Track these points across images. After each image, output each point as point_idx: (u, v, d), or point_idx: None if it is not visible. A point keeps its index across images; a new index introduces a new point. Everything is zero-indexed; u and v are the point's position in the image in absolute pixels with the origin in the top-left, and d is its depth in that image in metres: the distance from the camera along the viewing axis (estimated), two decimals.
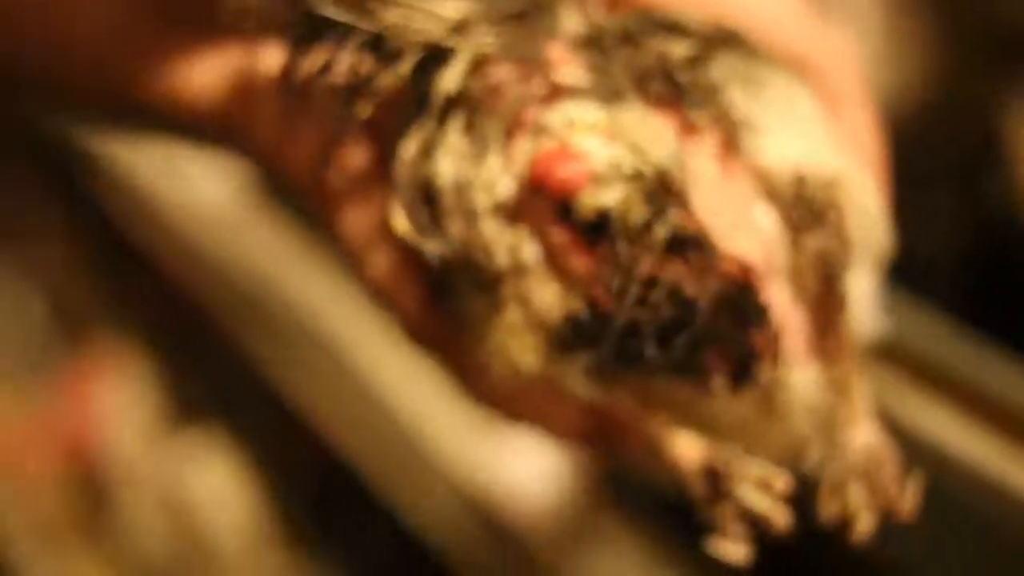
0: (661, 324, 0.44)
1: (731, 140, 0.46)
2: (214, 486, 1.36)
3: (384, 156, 0.49)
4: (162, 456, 1.40)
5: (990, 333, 0.68)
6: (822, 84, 0.50)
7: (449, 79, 0.46)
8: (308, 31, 0.47)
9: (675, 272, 0.44)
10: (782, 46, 0.50)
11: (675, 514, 0.95)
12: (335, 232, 0.53)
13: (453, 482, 1.04)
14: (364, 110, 0.47)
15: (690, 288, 0.44)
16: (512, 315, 0.46)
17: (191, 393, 1.41)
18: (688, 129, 0.46)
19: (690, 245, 0.44)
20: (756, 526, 0.47)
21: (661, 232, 0.43)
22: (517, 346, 0.47)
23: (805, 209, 0.46)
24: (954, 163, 0.95)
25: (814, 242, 0.46)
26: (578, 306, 0.45)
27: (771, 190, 0.46)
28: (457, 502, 1.04)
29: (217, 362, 1.35)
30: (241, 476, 1.36)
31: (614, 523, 0.98)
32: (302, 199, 0.54)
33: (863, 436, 0.48)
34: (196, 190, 1.31)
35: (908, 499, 0.48)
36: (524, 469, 1.01)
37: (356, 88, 0.47)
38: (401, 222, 0.47)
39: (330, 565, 1.28)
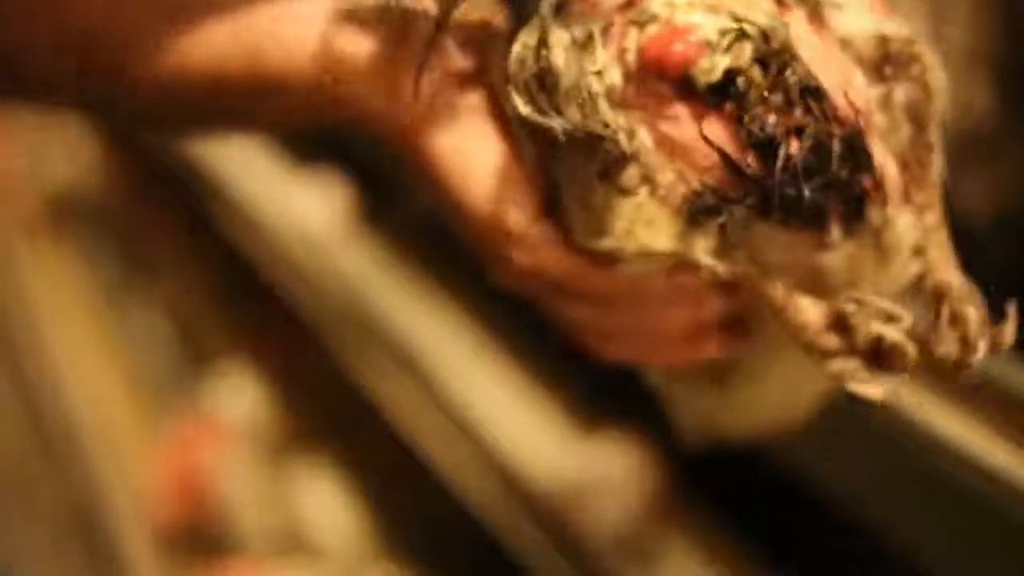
0: (801, 168, 0.46)
1: (816, 14, 0.50)
2: (322, 502, 1.39)
3: (479, 71, 0.53)
4: (274, 475, 1.44)
5: None
6: None
7: None
8: None
9: (807, 120, 0.46)
10: None
11: (744, 523, 0.96)
12: (434, 171, 0.54)
13: (534, 496, 1.06)
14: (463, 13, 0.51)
15: (822, 134, 0.46)
16: (640, 197, 0.49)
17: (302, 415, 1.46)
18: (779, 5, 0.49)
19: (813, 94, 0.46)
20: (889, 363, 0.49)
21: (792, 80, 0.46)
22: (646, 227, 0.49)
23: (893, 65, 0.50)
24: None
25: (903, 95, 0.51)
26: (708, 176, 0.47)
27: (858, 55, 0.51)
28: (536, 514, 1.05)
29: (326, 384, 1.39)
30: (347, 493, 1.39)
31: (682, 533, 0.99)
32: (400, 154, 0.56)
33: (957, 277, 0.51)
34: (306, 213, 1.35)
35: (1008, 328, 0.50)
36: (598, 480, 1.02)
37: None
38: (523, 106, 0.49)
39: None
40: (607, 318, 0.55)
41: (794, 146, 0.46)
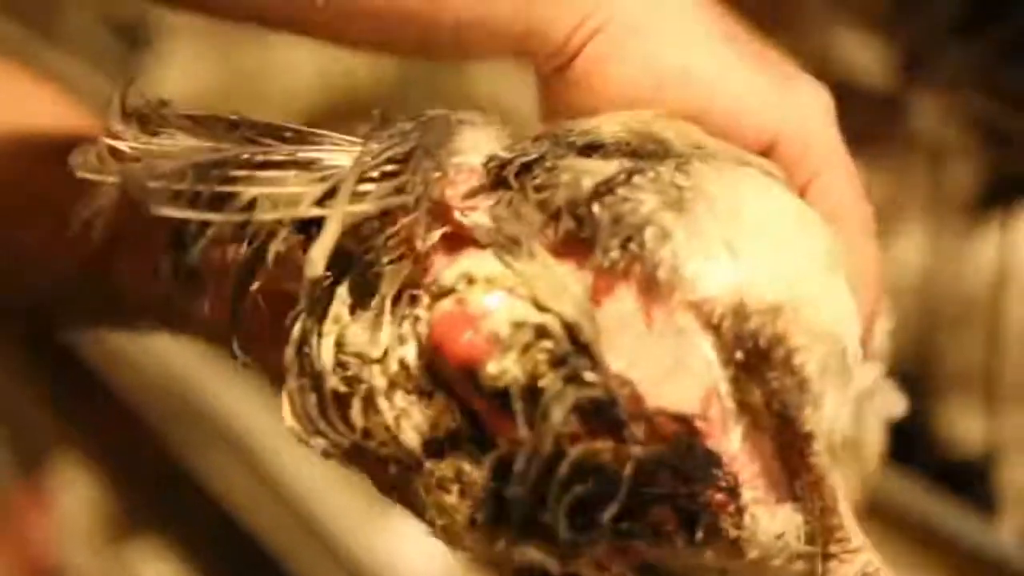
0: (577, 500, 0.38)
1: (654, 277, 0.40)
2: None
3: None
4: (109, 564, 1.48)
5: None
6: (796, 161, 0.46)
7: (318, 253, 0.40)
8: (169, 231, 0.42)
9: (588, 444, 0.38)
10: (748, 131, 0.46)
11: None
12: None
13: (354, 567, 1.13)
14: (251, 301, 0.42)
15: (608, 458, 0.38)
16: (442, 496, 0.41)
17: (134, 504, 1.50)
18: (604, 273, 0.41)
19: (605, 410, 0.38)
20: None
21: (567, 401, 0.38)
22: (453, 528, 0.41)
23: (749, 347, 0.40)
24: None
25: (764, 383, 0.41)
26: (498, 482, 0.39)
27: (709, 324, 0.41)
28: None
29: (157, 474, 1.43)
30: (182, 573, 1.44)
31: None
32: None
33: (856, 569, 0.43)
34: None
35: None
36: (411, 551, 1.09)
37: (240, 278, 0.42)
38: (288, 416, 0.41)
39: None
40: None
41: (566, 473, 0.38)
